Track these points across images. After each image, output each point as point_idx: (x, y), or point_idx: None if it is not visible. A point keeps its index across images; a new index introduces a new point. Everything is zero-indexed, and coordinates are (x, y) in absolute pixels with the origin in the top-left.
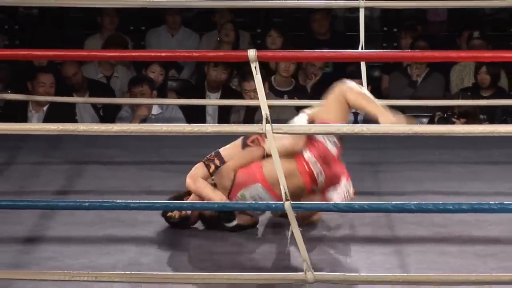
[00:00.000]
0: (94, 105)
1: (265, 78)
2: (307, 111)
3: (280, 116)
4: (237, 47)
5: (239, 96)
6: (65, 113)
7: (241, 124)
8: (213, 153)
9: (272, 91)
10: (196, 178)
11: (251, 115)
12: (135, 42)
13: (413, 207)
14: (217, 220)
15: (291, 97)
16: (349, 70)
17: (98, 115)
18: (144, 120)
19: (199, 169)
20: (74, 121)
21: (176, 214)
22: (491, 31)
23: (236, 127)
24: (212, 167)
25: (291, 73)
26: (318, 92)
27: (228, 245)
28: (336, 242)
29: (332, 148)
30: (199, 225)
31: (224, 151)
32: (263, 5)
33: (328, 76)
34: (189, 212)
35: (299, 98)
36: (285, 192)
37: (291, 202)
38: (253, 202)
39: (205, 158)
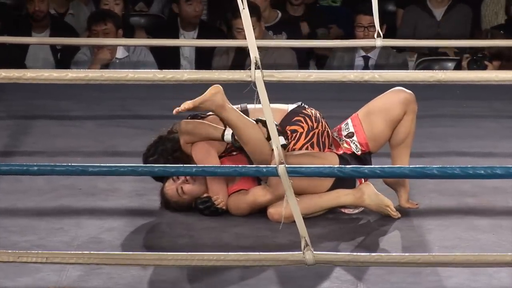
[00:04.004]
0: (53, 47)
1: (259, 17)
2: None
3: (278, 59)
4: None
5: (221, 34)
6: (17, 54)
7: (224, 71)
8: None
9: None
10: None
11: (242, 59)
12: None
13: (436, 171)
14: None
15: (277, 32)
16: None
17: (56, 59)
18: (106, 66)
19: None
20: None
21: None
22: None
23: (218, 74)
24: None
25: (268, 2)
26: (315, 24)
27: (209, 219)
28: (341, 215)
29: None
30: None
31: None
32: None
33: (336, 11)
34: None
35: (288, 34)
36: (278, 154)
37: (286, 166)
38: (240, 166)
39: None
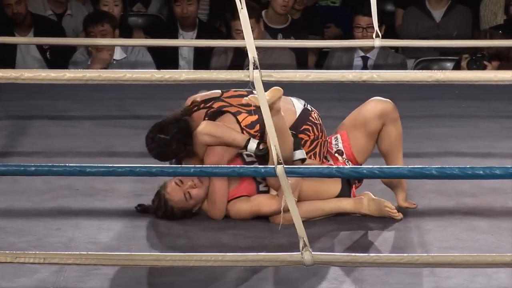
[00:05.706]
0: (40, 47)
1: (259, 18)
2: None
3: (277, 60)
4: None
5: (220, 35)
6: (5, 56)
7: (222, 71)
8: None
9: (265, 29)
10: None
11: (241, 59)
12: None
13: (435, 172)
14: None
15: (286, 36)
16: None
17: (45, 58)
18: (104, 67)
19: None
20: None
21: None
22: None
23: (216, 74)
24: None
25: (289, 9)
26: (316, 27)
27: (206, 220)
28: (339, 216)
29: None
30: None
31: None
32: None
33: (335, 12)
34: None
35: (296, 37)
36: (277, 154)
37: (285, 166)
38: (238, 166)
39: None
